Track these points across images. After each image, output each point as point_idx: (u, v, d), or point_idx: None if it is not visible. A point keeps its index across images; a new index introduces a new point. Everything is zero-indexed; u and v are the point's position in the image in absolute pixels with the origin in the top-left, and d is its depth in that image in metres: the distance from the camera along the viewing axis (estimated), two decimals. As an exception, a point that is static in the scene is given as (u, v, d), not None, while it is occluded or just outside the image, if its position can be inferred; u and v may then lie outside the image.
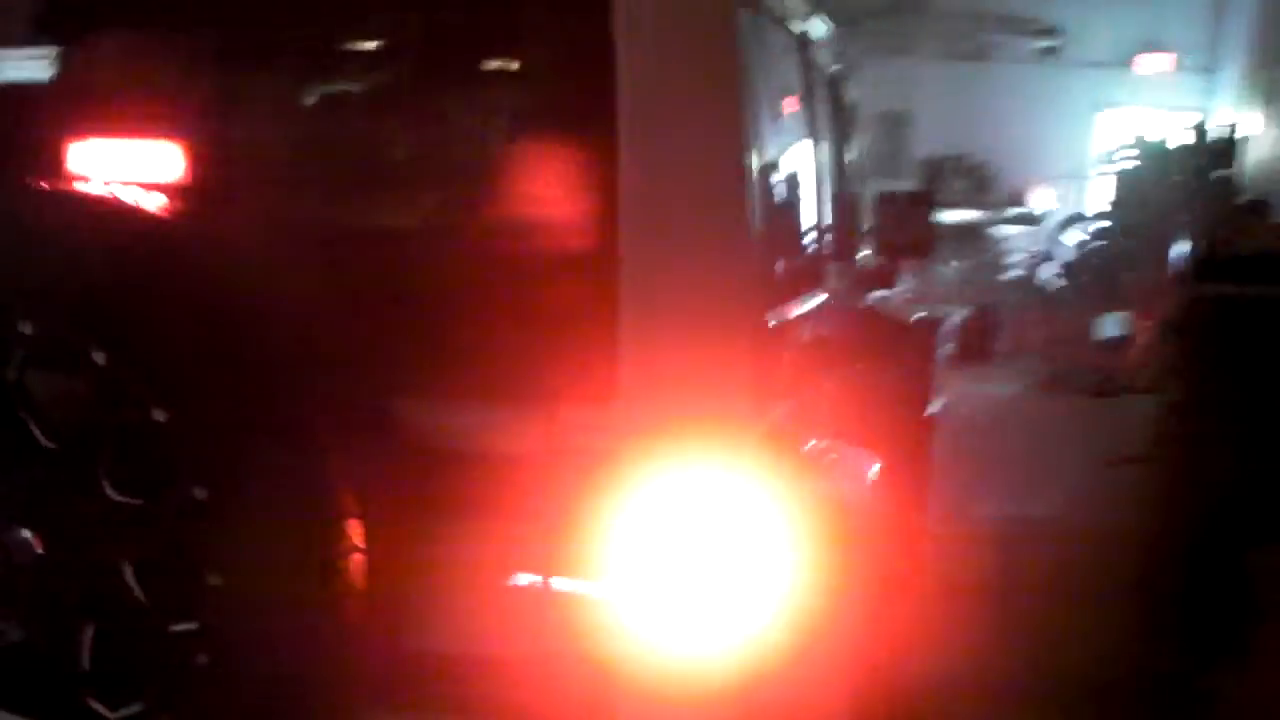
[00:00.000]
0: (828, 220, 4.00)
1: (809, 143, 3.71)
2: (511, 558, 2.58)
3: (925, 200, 5.29)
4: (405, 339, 2.53)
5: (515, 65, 2.73)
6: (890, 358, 4.95)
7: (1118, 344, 12.16)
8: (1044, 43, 18.41)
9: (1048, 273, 16.06)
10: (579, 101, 2.60)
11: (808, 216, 3.59)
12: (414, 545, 2.49)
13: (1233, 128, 14.02)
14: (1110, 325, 12.52)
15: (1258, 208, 11.65)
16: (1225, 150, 12.15)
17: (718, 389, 2.49)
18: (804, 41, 3.75)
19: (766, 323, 2.78)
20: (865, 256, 4.90)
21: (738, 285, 2.55)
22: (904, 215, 5.08)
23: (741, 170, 2.61)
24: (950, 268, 13.83)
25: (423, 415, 2.52)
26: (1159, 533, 6.28)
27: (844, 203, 4.44)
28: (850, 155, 4.79)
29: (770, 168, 2.96)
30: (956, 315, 11.38)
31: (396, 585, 2.47)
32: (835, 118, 4.44)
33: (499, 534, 2.56)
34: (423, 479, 2.50)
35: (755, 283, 2.67)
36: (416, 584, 2.54)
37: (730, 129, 2.60)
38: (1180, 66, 17.71)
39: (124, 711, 2.42)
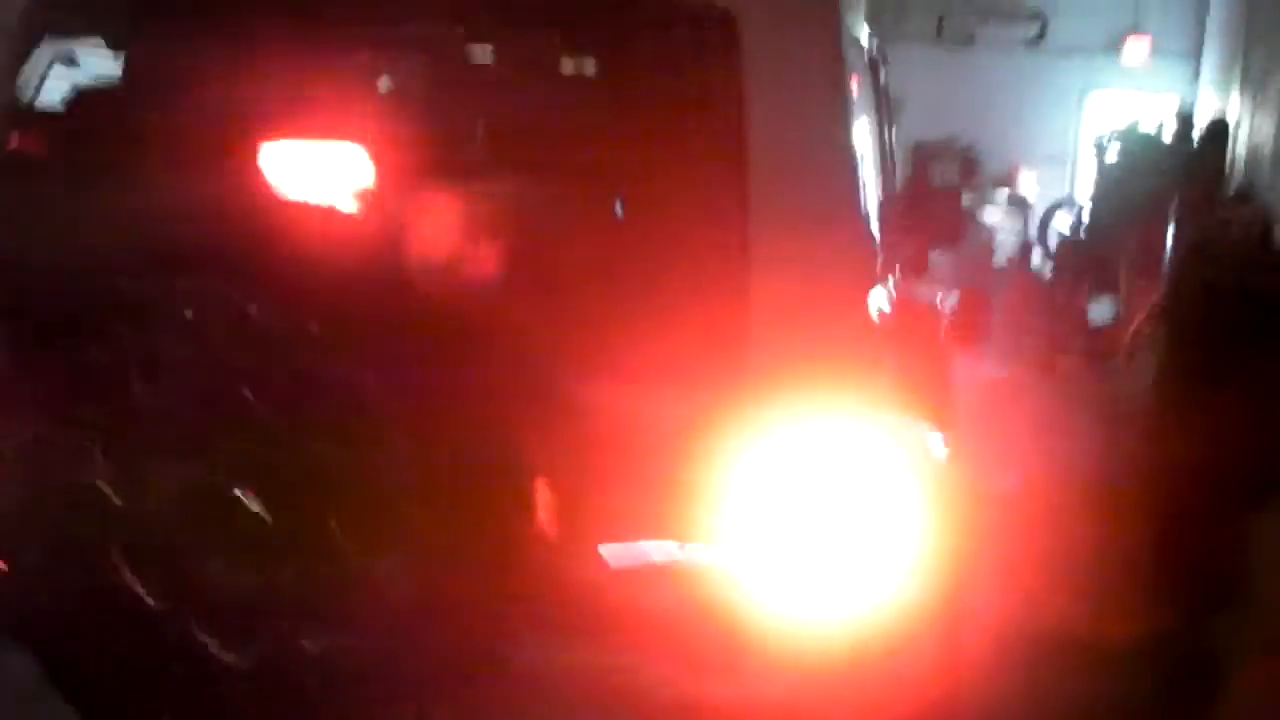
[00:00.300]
0: (885, 213, 4.40)
1: (878, 142, 4.11)
2: (658, 518, 2.95)
3: (957, 193, 5.70)
4: (571, 322, 2.90)
5: (678, 91, 3.09)
6: (926, 337, 5.34)
7: (1109, 326, 12.49)
8: (1029, 29, 18.80)
9: (1038, 256, 16.41)
10: (720, 123, 2.97)
11: (880, 211, 4.00)
12: (576, 503, 2.86)
13: (1222, 112, 14.37)
14: (1101, 308, 12.84)
15: (1244, 193, 12.04)
16: (1215, 135, 12.47)
17: (841, 360, 2.88)
18: (872, 57, 4.17)
19: (869, 303, 3.16)
20: (903, 244, 5.29)
21: (851, 271, 2.96)
22: (939, 207, 5.48)
23: (851, 173, 3.02)
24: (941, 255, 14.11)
25: (586, 389, 2.88)
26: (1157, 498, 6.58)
27: (889, 196, 4.84)
28: (891, 150, 5.19)
29: (863, 168, 3.35)
30: (951, 297, 11.70)
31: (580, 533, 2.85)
32: (885, 117, 4.83)
33: (648, 497, 2.93)
34: (586, 446, 2.86)
35: (863, 269, 3.06)
36: (582, 532, 2.90)
37: (840, 141, 3.01)
38: (1162, 51, 18.10)
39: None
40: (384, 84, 3.37)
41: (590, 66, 3.12)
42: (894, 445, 2.98)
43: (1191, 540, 6.12)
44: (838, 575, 2.91)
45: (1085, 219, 14.92)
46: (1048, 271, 15.71)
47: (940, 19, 18.50)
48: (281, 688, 2.78)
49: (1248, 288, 6.85)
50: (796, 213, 2.93)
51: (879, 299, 3.75)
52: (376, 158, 3.00)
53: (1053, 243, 16.66)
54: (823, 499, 2.87)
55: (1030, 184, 17.97)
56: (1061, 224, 16.65)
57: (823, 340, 2.88)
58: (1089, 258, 13.87)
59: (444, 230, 2.90)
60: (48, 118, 3.49)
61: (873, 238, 3.31)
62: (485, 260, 2.83)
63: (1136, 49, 18.15)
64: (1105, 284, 12.83)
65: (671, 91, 3.04)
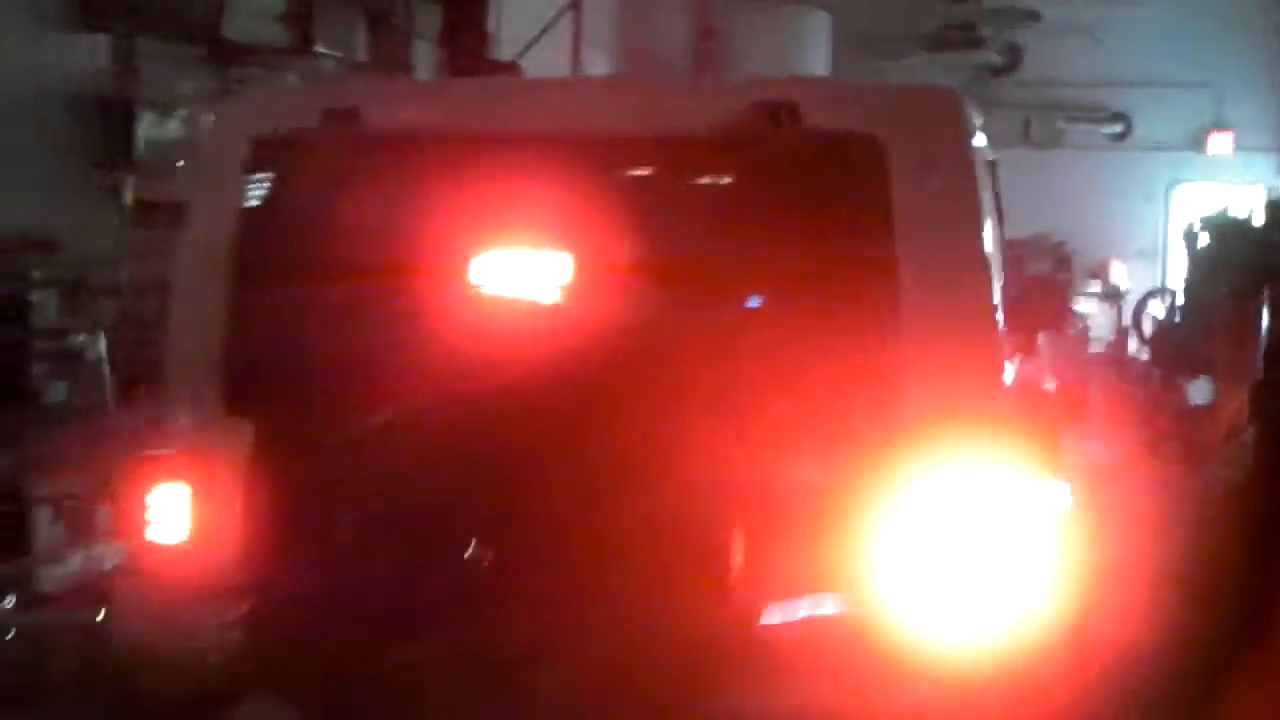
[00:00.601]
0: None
1: (997, 238, 4.76)
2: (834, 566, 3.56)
3: (1062, 284, 6.33)
4: (759, 397, 3.52)
5: (840, 202, 3.75)
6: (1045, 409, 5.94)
7: (1205, 411, 12.90)
8: (1114, 127, 19.43)
9: (1134, 343, 16.91)
10: (876, 228, 3.64)
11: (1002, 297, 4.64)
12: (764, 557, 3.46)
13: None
14: (1199, 389, 13.27)
15: (1333, 278, 12.46)
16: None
17: (983, 422, 3.52)
18: (989, 161, 4.82)
19: (1003, 377, 3.79)
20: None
21: (988, 349, 3.60)
22: (1046, 295, 6.11)
23: (985, 267, 3.67)
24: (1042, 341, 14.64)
25: (774, 454, 3.50)
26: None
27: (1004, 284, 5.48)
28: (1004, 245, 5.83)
29: (992, 260, 3.99)
30: (1051, 381, 12.21)
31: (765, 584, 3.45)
32: (1000, 216, 5.48)
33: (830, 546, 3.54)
34: (774, 505, 3.46)
35: (997, 347, 3.70)
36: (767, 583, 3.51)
37: (974, 240, 3.68)
38: (1245, 146, 18.71)
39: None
40: (599, 204, 4.01)
41: (771, 184, 3.75)
42: (1029, 492, 3.60)
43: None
44: (983, 604, 3.50)
45: (1180, 303, 15.35)
46: (1143, 356, 16.16)
47: (1027, 119, 19.15)
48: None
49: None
50: (941, 302, 3.59)
51: (1008, 374, 4.37)
52: (590, 266, 3.64)
53: (1147, 330, 17.15)
54: (972, 538, 3.49)
55: (1122, 276, 18.51)
56: (1156, 311, 17.15)
57: (969, 407, 3.52)
58: (1185, 341, 14.29)
59: (650, 322, 3.54)
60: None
61: (1000, 322, 3.93)
62: (688, 349, 3.47)
63: (1220, 143, 18.75)
64: (1202, 366, 13.23)
65: (834, 202, 3.70)
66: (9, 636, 6.10)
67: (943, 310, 3.61)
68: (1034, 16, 18.47)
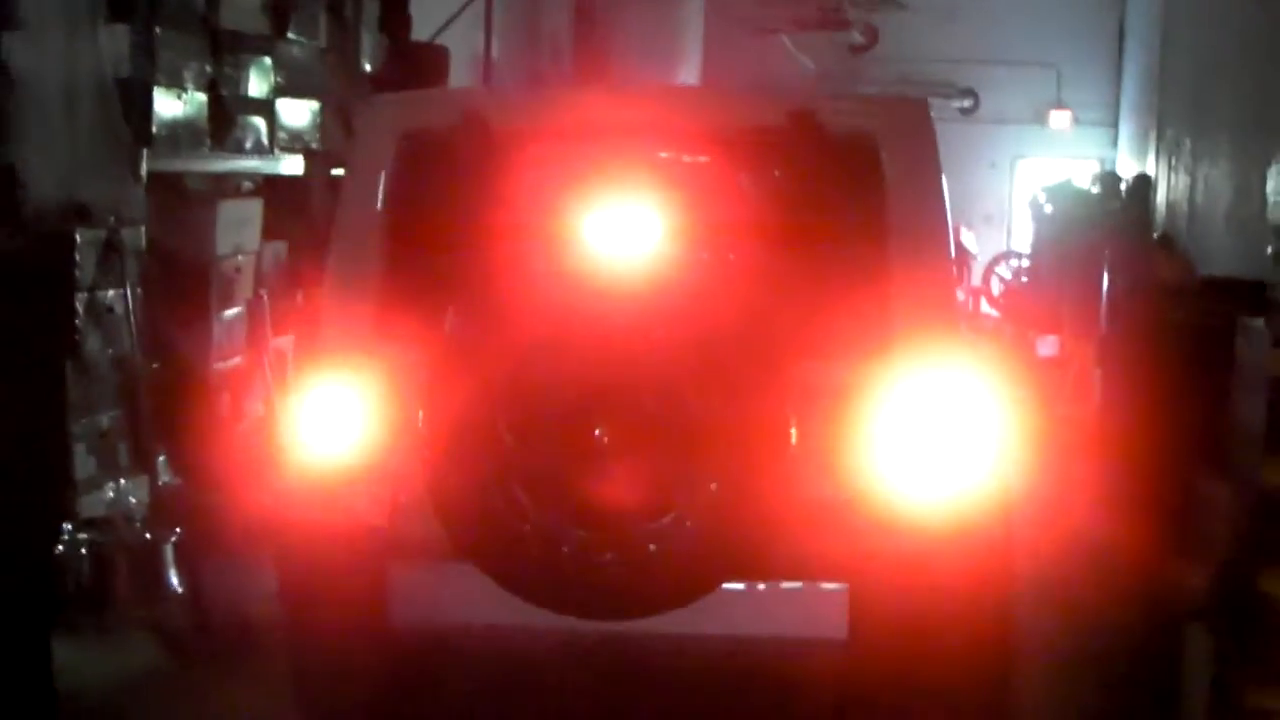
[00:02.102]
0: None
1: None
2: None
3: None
4: (794, 329, 4.74)
5: (848, 183, 5.03)
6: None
7: (1054, 361, 14.32)
8: (963, 103, 20.98)
9: (984, 302, 18.43)
10: (874, 201, 4.92)
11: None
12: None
13: (1143, 171, 16.43)
14: (1045, 346, 14.69)
15: (1167, 242, 13.96)
16: (1139, 190, 14.31)
17: (947, 328, 4.80)
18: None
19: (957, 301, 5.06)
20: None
21: (948, 279, 4.88)
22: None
23: (947, 226, 4.95)
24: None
25: (807, 368, 4.71)
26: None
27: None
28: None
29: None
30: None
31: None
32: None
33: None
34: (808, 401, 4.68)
35: (954, 279, 4.98)
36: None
37: (941, 207, 4.95)
38: (1083, 122, 20.39)
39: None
40: (678, 180, 5.16)
41: (797, 167, 5.00)
42: (979, 385, 4.90)
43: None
44: (954, 467, 4.77)
45: (1027, 266, 16.77)
46: (993, 314, 17.61)
47: (883, 93, 20.54)
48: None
49: (1181, 323, 8.65)
50: (919, 251, 4.88)
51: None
52: (665, 229, 4.83)
53: (995, 290, 18.65)
54: (950, 417, 4.76)
55: (970, 240, 20.07)
56: (1003, 273, 18.66)
57: (936, 323, 4.82)
58: (1034, 300, 15.70)
59: (711, 274, 4.75)
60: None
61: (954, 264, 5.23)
62: (747, 285, 4.69)
63: (1060, 119, 20.39)
64: (1049, 323, 14.62)
65: (842, 181, 4.99)
66: (82, 552, 7.07)
67: (919, 255, 4.92)
68: (898, 4, 19.88)
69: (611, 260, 4.68)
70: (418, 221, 5.10)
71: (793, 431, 4.56)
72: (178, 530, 7.42)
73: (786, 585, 4.90)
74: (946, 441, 4.79)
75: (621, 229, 4.77)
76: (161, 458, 8.16)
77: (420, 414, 4.57)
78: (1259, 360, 6.18)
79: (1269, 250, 6.78)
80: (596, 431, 4.57)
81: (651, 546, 4.56)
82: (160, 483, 8.05)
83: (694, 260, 4.75)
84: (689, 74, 18.76)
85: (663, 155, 5.16)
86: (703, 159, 5.15)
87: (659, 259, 4.72)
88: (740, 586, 4.79)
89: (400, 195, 5.09)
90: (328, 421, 4.91)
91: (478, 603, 4.76)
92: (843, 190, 5.07)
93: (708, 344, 4.55)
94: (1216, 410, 7.54)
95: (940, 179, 5.07)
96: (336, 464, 4.90)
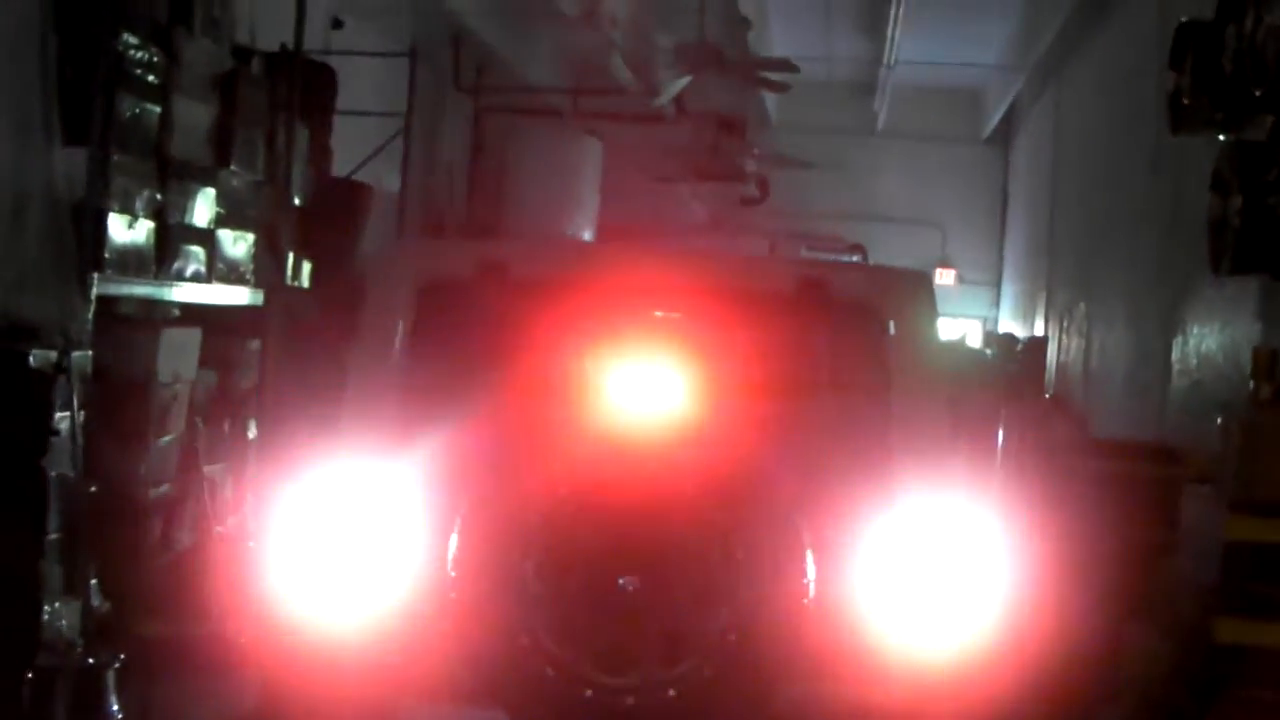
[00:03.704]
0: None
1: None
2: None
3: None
4: (809, 455, 4.92)
5: (858, 341, 5.25)
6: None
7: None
8: (850, 258, 21.51)
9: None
10: (879, 353, 5.13)
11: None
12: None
13: (1042, 336, 16.98)
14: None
15: (1060, 403, 14.43)
16: (1035, 350, 14.84)
17: (948, 477, 4.98)
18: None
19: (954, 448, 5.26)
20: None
21: (946, 433, 5.07)
22: None
23: (941, 380, 5.17)
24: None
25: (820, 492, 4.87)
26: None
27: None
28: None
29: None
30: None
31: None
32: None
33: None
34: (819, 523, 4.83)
35: (945, 424, 5.18)
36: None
37: (936, 364, 5.17)
38: (968, 281, 21.04)
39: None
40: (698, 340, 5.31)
41: (812, 329, 5.20)
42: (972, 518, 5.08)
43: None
44: (954, 616, 4.93)
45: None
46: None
47: (773, 245, 21.05)
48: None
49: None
50: (915, 400, 5.09)
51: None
52: (683, 385, 4.98)
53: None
54: (951, 566, 4.92)
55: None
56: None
57: (933, 466, 5.01)
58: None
59: (729, 429, 4.90)
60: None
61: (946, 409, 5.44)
62: (763, 438, 4.84)
63: (944, 276, 21.02)
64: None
65: (852, 342, 5.21)
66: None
67: (916, 405, 5.11)
68: (801, 165, 20.43)
69: (634, 414, 4.84)
70: (440, 366, 5.21)
71: (810, 582, 4.70)
72: (119, 656, 7.34)
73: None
74: (948, 590, 4.95)
75: (643, 384, 4.91)
76: (94, 582, 8.05)
77: (448, 558, 4.66)
78: (1209, 524, 6.49)
79: (1218, 421, 7.06)
80: (621, 580, 4.71)
81: (671, 692, 4.67)
82: (93, 606, 7.94)
83: (712, 416, 4.90)
84: (586, 214, 19.06)
85: (689, 312, 5.32)
86: (727, 317, 5.30)
87: (679, 413, 4.87)
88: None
89: (421, 340, 5.20)
90: (344, 556, 4.94)
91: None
92: (852, 348, 5.33)
93: (727, 497, 4.72)
94: (1144, 562, 7.89)
95: (937, 341, 5.32)
96: (351, 601, 4.93)
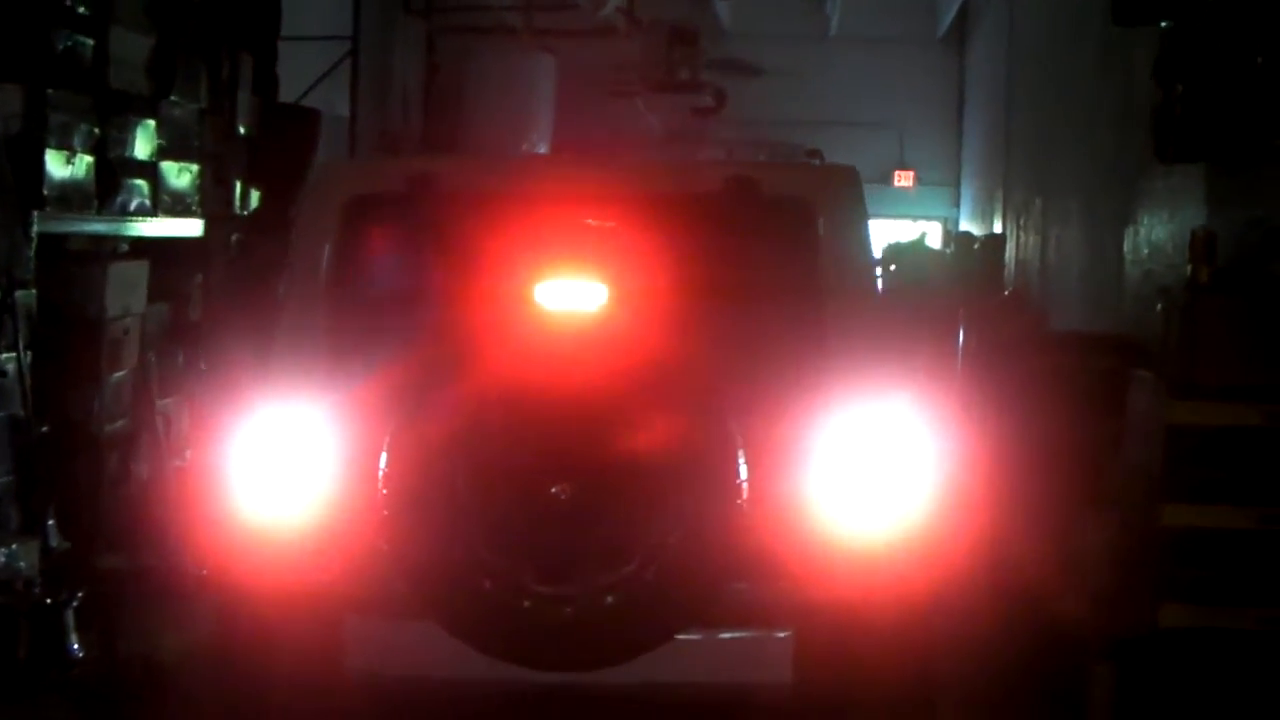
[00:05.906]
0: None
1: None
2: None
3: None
4: (739, 359, 4.91)
5: (789, 239, 5.22)
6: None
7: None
8: (810, 163, 21.45)
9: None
10: (810, 251, 5.12)
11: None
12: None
13: (999, 234, 16.97)
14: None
15: (1018, 299, 14.48)
16: (993, 247, 14.84)
17: (882, 369, 5.00)
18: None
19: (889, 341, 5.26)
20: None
21: (880, 325, 5.09)
22: None
23: (872, 273, 5.20)
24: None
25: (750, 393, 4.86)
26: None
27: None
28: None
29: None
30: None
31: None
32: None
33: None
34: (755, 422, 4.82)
35: (884, 325, 5.18)
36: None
37: (867, 254, 5.20)
38: (926, 182, 21.00)
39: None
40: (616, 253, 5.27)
41: (739, 229, 5.16)
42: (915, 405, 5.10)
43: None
44: (892, 507, 4.95)
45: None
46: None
47: (730, 154, 20.99)
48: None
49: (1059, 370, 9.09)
50: (848, 294, 5.09)
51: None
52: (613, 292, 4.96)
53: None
54: (887, 458, 4.94)
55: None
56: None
57: (868, 359, 5.02)
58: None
59: (660, 331, 4.88)
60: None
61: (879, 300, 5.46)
62: (694, 341, 4.82)
63: (903, 178, 20.97)
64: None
65: (785, 239, 5.17)
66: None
67: (848, 299, 5.11)
68: (754, 71, 20.31)
69: (563, 318, 4.80)
70: (368, 282, 5.19)
71: (743, 483, 4.70)
72: (78, 594, 7.35)
73: (737, 634, 5.01)
74: (885, 482, 4.97)
75: (571, 289, 4.88)
76: (51, 521, 8.05)
77: (380, 471, 4.64)
78: (1152, 410, 6.51)
79: (1159, 307, 7.07)
80: (554, 488, 4.69)
81: (610, 599, 4.67)
82: (51, 545, 7.94)
83: (643, 321, 4.86)
84: (541, 131, 18.98)
85: (615, 218, 5.26)
86: (651, 221, 5.23)
87: (609, 320, 4.84)
88: (694, 636, 4.89)
89: (347, 257, 5.17)
90: (278, 476, 4.94)
91: (434, 656, 4.82)
92: (782, 247, 5.28)
93: (661, 399, 4.70)
94: (1099, 454, 7.93)
95: (867, 235, 5.31)
96: (288, 519, 4.93)
